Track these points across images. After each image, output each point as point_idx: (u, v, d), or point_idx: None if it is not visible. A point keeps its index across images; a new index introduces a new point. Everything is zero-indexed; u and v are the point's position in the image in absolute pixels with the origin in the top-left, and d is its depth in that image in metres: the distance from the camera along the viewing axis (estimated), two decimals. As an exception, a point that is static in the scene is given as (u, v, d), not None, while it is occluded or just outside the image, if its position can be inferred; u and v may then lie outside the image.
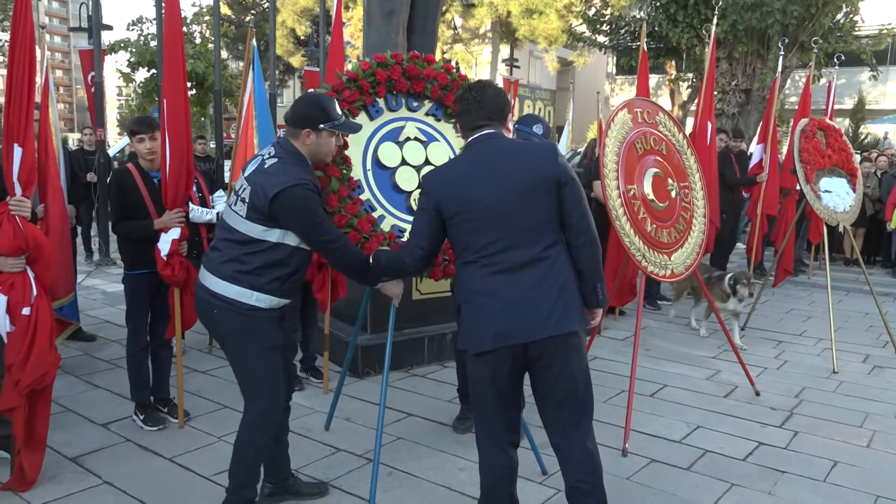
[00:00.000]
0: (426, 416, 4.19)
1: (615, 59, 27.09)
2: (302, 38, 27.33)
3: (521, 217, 2.43)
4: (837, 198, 5.70)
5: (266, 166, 2.69)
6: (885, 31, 15.40)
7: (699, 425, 4.12)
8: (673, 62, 18.76)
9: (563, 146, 11.02)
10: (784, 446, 3.86)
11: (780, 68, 7.59)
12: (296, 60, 27.64)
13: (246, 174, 2.75)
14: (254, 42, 5.77)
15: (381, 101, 3.27)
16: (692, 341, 5.99)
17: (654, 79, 27.76)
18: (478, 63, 28.35)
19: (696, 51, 13.99)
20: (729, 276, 5.84)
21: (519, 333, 2.41)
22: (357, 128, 2.97)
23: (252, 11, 28.11)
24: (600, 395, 4.56)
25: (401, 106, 3.32)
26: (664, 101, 24.71)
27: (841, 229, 5.90)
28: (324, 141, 2.77)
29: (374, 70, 3.23)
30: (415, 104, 3.36)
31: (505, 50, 25.56)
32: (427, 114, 3.40)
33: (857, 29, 14.18)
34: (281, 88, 30.71)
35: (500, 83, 20.70)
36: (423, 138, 3.34)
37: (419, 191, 2.47)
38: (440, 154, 3.37)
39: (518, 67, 19.92)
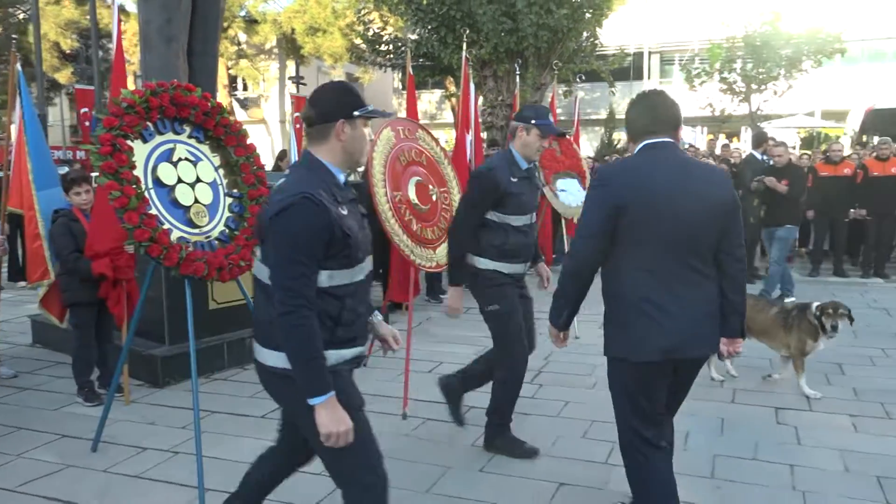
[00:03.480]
0: (228, 411, 4.57)
1: (401, 75, 28.51)
2: (68, 52, 25.44)
3: (703, 234, 2.47)
4: (571, 195, 6.93)
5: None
6: (618, 53, 18.06)
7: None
8: (451, 79, 20.32)
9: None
10: (531, 396, 4.79)
11: (517, 85, 8.86)
12: (63, 76, 25.66)
13: None
14: (18, 66, 5.68)
15: (151, 126, 3.67)
16: (468, 326, 6.87)
17: (437, 94, 29.60)
18: (265, 79, 28.29)
19: (466, 69, 15.43)
20: (817, 305, 4.78)
21: (688, 349, 2.50)
22: (386, 113, 2.62)
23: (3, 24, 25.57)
24: (386, 375, 5.27)
25: (168, 129, 3.75)
26: (448, 114, 26.49)
27: (574, 220, 7.14)
28: (359, 133, 2.26)
29: (148, 97, 3.61)
30: (178, 128, 3.80)
31: (293, 66, 25.80)
32: (190, 136, 3.85)
33: (596, 51, 16.51)
34: (46, 107, 28.26)
35: (287, 99, 20.84)
36: (192, 158, 3.79)
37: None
38: (207, 172, 3.88)
39: (305, 84, 20.34)
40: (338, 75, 27.62)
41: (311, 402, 2.08)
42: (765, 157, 8.72)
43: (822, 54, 15.12)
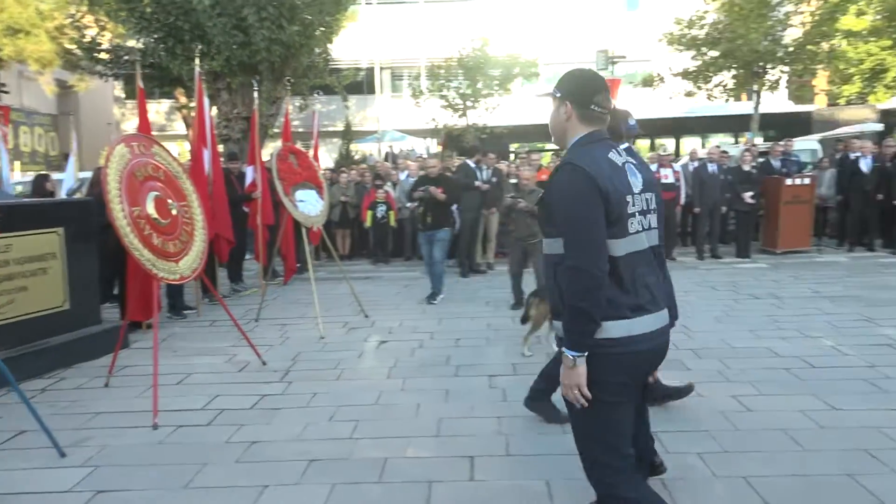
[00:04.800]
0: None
1: (123, 83, 26.56)
2: None
3: None
4: (310, 205, 7.38)
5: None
6: (351, 68, 18.91)
7: (218, 394, 5.13)
8: (182, 89, 19.51)
9: (70, 175, 10.88)
10: (280, 393, 5.14)
11: (256, 99, 9.07)
12: None
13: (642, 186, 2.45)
14: None
15: None
16: (214, 338, 6.98)
17: (165, 104, 28.12)
18: (-48, 83, 24.46)
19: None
20: None
21: None
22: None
23: None
24: (132, 392, 5.25)
25: None
26: (180, 125, 25.30)
27: (315, 229, 7.61)
28: None
29: None
30: None
31: (-12, 70, 22.67)
32: None
33: (330, 66, 17.16)
34: None
35: (-16, 108, 18.23)
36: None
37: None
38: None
39: (7, 92, 18.10)
40: (45, 81, 24.88)
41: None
42: (476, 166, 10.02)
43: (524, 77, 17.46)
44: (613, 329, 2.30)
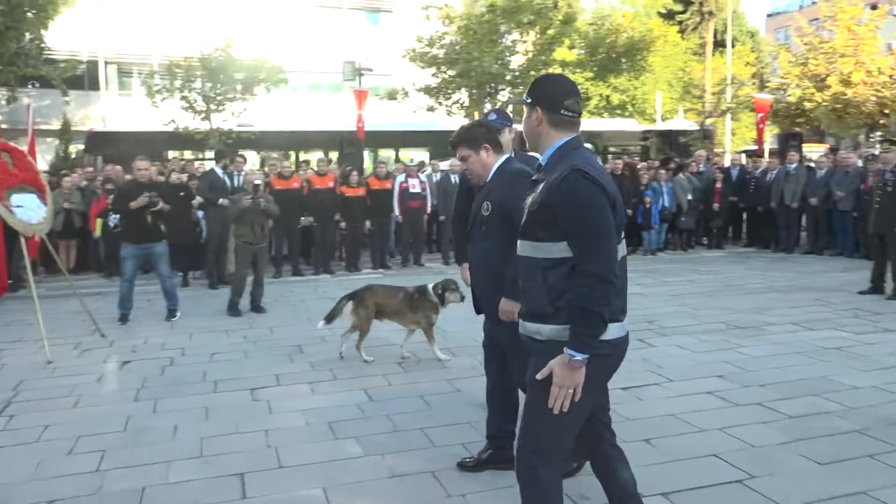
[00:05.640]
0: None
1: None
2: None
3: None
4: (31, 211, 6.43)
5: None
6: (70, 60, 16.86)
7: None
8: None
9: None
10: (1, 429, 4.40)
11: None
12: None
13: None
14: None
15: None
16: None
17: None
18: None
19: None
20: (432, 286, 5.72)
21: None
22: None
23: None
24: None
25: None
26: None
27: (37, 238, 6.66)
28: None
29: None
30: None
31: None
32: None
33: (44, 55, 15.12)
34: None
35: None
36: None
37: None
38: None
39: None
40: None
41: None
42: (225, 172, 9.62)
43: (270, 82, 17.00)
44: (611, 332, 2.34)
